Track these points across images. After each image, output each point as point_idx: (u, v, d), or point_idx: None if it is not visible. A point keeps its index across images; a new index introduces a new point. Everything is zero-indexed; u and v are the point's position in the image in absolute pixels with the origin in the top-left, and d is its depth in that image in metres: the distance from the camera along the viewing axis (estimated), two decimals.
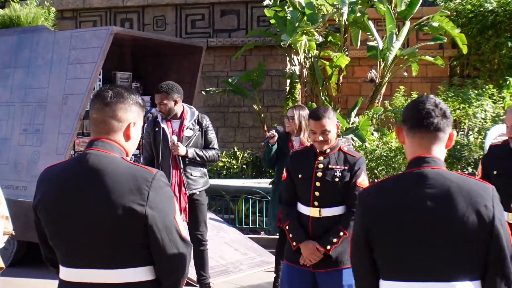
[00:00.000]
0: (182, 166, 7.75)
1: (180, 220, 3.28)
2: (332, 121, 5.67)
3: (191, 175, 7.82)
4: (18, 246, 10.10)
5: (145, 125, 8.00)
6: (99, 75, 10.48)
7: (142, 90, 11.77)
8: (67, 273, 3.24)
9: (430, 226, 3.05)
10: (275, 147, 8.30)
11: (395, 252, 3.10)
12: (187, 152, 7.69)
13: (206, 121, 7.91)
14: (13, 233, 8.68)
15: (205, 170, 8.01)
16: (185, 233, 3.30)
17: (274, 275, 8.69)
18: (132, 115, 3.33)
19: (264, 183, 13.62)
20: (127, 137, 3.32)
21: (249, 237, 11.33)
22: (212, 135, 7.93)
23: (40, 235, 3.41)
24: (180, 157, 7.73)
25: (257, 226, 12.54)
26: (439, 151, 3.20)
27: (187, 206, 7.77)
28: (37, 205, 3.31)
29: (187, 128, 7.78)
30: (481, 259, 3.06)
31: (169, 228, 3.17)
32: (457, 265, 3.04)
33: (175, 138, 7.69)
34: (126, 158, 3.29)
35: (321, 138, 5.62)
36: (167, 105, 7.74)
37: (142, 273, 3.18)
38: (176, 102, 7.76)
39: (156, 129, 7.83)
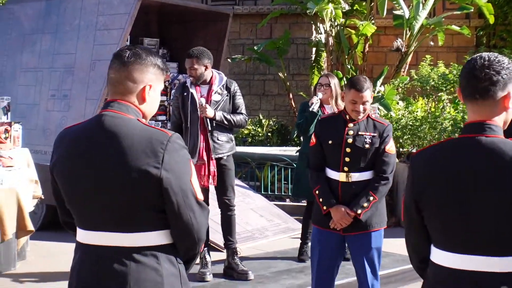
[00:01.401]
0: (210, 129, 7.76)
1: (197, 183, 3.23)
2: (371, 93, 5.79)
3: (218, 139, 7.82)
4: (47, 210, 10.20)
5: (173, 90, 8.02)
6: (127, 41, 10.52)
7: (169, 56, 11.80)
8: (83, 235, 3.22)
9: (483, 197, 2.95)
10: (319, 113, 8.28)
11: (445, 221, 3.03)
12: (215, 114, 7.71)
13: (234, 86, 7.92)
14: (42, 197, 8.87)
15: (231, 136, 8.03)
16: (202, 196, 3.25)
17: (300, 241, 8.77)
18: (148, 76, 3.26)
19: (289, 151, 13.69)
20: (142, 99, 3.26)
21: (275, 204, 11.38)
22: (240, 100, 7.93)
23: (57, 198, 3.38)
24: (207, 121, 7.75)
25: (283, 193, 12.60)
26: (496, 116, 3.05)
27: (215, 170, 7.80)
28: (54, 166, 3.28)
29: (215, 93, 7.78)
30: None
31: (184, 191, 3.13)
32: (507, 238, 2.94)
33: (203, 100, 7.70)
34: (142, 120, 3.24)
35: (361, 108, 5.71)
36: (198, 70, 7.75)
37: (160, 237, 3.16)
38: (206, 68, 7.78)
39: (185, 93, 7.81)
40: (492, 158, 2.96)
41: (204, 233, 3.28)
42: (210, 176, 7.74)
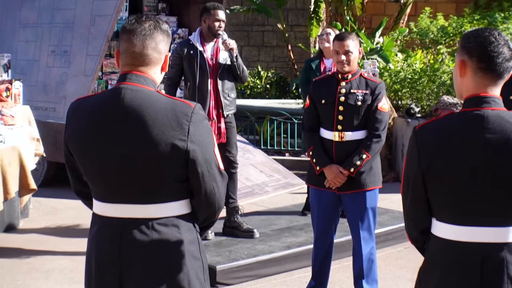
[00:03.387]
0: (221, 88, 7.74)
1: (218, 153, 3.29)
2: (355, 44, 5.85)
3: (229, 96, 7.79)
4: (48, 167, 10.26)
5: (172, 45, 7.95)
6: None
7: (168, 10, 11.78)
8: (103, 207, 3.24)
9: (488, 170, 3.02)
10: None
11: (451, 194, 3.08)
12: (237, 54, 7.68)
13: (236, 45, 7.89)
14: (44, 155, 8.94)
15: (236, 93, 8.05)
16: (223, 165, 3.32)
17: (306, 196, 8.87)
18: (167, 46, 3.29)
19: (288, 103, 13.72)
20: (163, 68, 3.29)
21: (274, 159, 11.44)
22: (240, 60, 7.91)
23: (72, 169, 3.38)
24: (218, 79, 7.73)
25: (282, 148, 12.67)
26: (498, 89, 3.15)
27: (223, 127, 7.82)
28: (70, 138, 3.27)
29: (222, 50, 7.72)
30: None
31: (209, 161, 3.18)
32: None
33: (224, 36, 7.66)
34: (161, 91, 3.25)
35: (343, 57, 5.79)
36: (224, 22, 7.73)
37: (181, 207, 3.21)
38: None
39: (191, 52, 7.68)
40: (500, 130, 3.03)
41: (223, 202, 3.35)
42: (220, 134, 7.75)
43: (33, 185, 8.28)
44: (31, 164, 8.49)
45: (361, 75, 5.92)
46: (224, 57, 7.71)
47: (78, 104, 3.32)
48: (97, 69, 9.87)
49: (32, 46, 10.66)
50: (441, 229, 3.15)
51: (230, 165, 7.88)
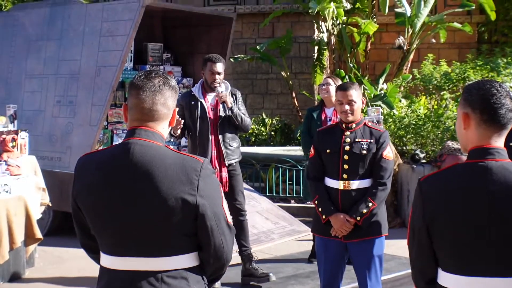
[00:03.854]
0: (222, 138, 7.78)
1: (227, 207, 3.32)
2: (358, 93, 5.94)
3: (230, 145, 7.85)
4: (53, 216, 10.27)
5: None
6: (131, 47, 10.59)
7: (173, 60, 11.87)
8: (112, 261, 3.25)
9: (493, 223, 3.03)
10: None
11: (456, 247, 3.09)
12: (232, 106, 7.72)
13: (239, 94, 7.96)
14: (50, 204, 8.97)
15: (239, 141, 8.09)
16: (231, 219, 3.35)
17: (312, 243, 8.87)
18: (175, 101, 3.34)
19: (293, 150, 13.73)
20: (171, 123, 3.34)
21: (279, 206, 11.42)
22: (243, 107, 7.97)
23: (79, 224, 3.40)
24: (219, 129, 7.77)
25: (287, 195, 12.68)
26: (502, 140, 3.18)
27: (227, 177, 7.83)
28: (78, 194, 3.29)
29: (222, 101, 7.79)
30: None
31: (217, 215, 3.21)
32: None
33: (219, 88, 7.70)
34: (169, 146, 3.29)
35: (347, 107, 5.87)
36: (222, 75, 7.79)
37: (190, 259, 3.23)
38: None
39: (192, 102, 7.80)
40: (504, 181, 3.05)
41: (231, 255, 3.36)
42: (222, 183, 7.78)
43: (38, 234, 8.30)
44: (36, 214, 8.52)
45: (365, 124, 5.98)
46: (222, 109, 7.79)
47: (86, 159, 3.36)
48: (103, 119, 9.92)
49: (38, 97, 10.74)
50: (448, 280, 3.15)
51: (238, 213, 7.88)
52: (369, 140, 5.87)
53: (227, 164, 7.80)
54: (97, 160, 3.30)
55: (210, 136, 7.78)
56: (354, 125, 5.92)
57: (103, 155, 3.32)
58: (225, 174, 7.81)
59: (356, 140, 5.87)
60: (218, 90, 7.71)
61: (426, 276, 3.27)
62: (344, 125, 5.94)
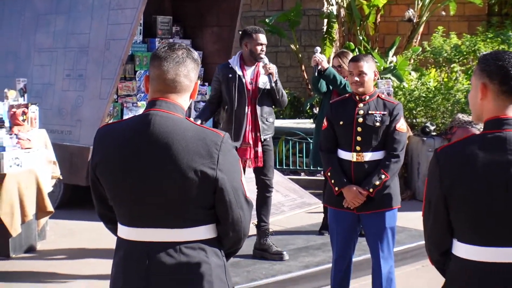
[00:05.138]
0: (260, 112, 7.67)
1: (245, 181, 3.34)
2: (369, 65, 5.90)
3: (267, 120, 7.75)
4: (64, 189, 10.29)
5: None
6: (140, 20, 10.57)
7: (182, 33, 11.84)
8: (129, 232, 3.27)
9: (510, 193, 3.04)
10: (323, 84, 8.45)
11: (474, 216, 3.09)
12: (277, 79, 7.64)
13: (276, 70, 7.77)
14: (61, 177, 9.01)
15: (274, 116, 7.99)
16: (249, 194, 3.36)
17: (323, 215, 8.91)
18: (197, 74, 3.35)
19: (302, 123, 13.75)
20: (192, 96, 3.35)
21: (290, 178, 11.45)
22: (280, 84, 7.81)
23: (97, 194, 3.41)
24: (257, 103, 7.66)
25: (298, 167, 12.68)
26: None
27: (260, 151, 7.74)
28: (98, 163, 3.30)
29: (262, 74, 7.71)
30: None
31: (236, 190, 3.23)
32: None
33: (266, 59, 7.61)
34: (190, 119, 3.31)
35: (357, 79, 5.86)
36: (265, 45, 7.71)
37: (208, 231, 3.25)
38: None
39: (230, 75, 7.65)
40: None
41: (248, 229, 3.39)
42: (258, 158, 7.71)
43: (50, 207, 8.33)
44: (48, 187, 8.55)
45: (378, 96, 5.97)
46: (263, 81, 7.65)
47: (106, 130, 3.37)
48: (112, 92, 9.92)
49: (47, 70, 10.73)
50: (463, 250, 3.16)
51: (266, 189, 7.84)
52: (382, 112, 5.86)
53: (262, 139, 7.75)
54: (117, 131, 3.31)
55: (246, 110, 7.65)
56: (367, 97, 5.91)
57: (123, 126, 3.33)
58: (260, 149, 7.73)
59: (370, 112, 5.86)
60: (265, 61, 7.62)
61: (441, 247, 3.29)
62: (357, 97, 5.93)
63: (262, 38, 7.66)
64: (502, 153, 3.08)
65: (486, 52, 3.42)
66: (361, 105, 5.89)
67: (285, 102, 7.91)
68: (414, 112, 12.23)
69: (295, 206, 10.26)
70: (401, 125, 5.89)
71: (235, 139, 7.54)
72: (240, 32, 7.94)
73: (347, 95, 6.22)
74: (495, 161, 3.07)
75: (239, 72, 7.63)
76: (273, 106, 7.89)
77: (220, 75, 7.72)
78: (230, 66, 7.72)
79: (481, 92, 3.18)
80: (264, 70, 7.59)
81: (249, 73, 7.69)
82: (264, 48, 7.67)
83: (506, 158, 3.06)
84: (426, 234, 3.34)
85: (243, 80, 7.63)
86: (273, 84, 7.62)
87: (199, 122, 7.43)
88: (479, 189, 3.07)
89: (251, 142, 7.67)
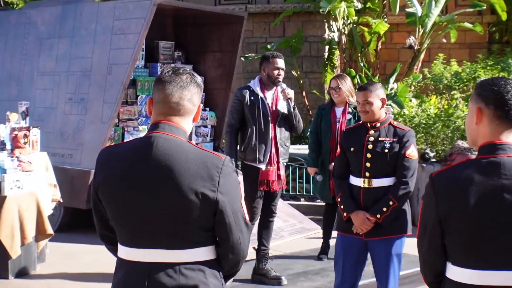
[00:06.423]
0: (279, 136, 7.74)
1: (244, 204, 3.38)
2: (375, 94, 5.93)
3: (285, 144, 7.85)
4: (64, 212, 10.32)
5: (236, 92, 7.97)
6: (142, 45, 10.64)
7: (184, 58, 11.91)
8: (130, 253, 3.30)
9: (507, 217, 3.07)
10: None
11: (468, 240, 3.11)
12: (294, 104, 7.73)
13: (293, 95, 7.87)
14: (61, 200, 9.04)
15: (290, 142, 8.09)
16: (248, 217, 3.41)
17: (322, 241, 8.98)
18: (200, 98, 3.42)
19: (303, 149, 13.74)
20: (195, 119, 3.41)
21: (289, 204, 11.46)
22: (297, 110, 7.90)
23: (98, 215, 3.45)
24: (277, 126, 7.73)
25: (297, 193, 12.71)
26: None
27: (283, 174, 7.83)
28: (100, 184, 3.33)
29: (280, 99, 7.77)
30: None
31: (236, 212, 3.28)
32: None
33: (284, 85, 7.72)
34: (192, 142, 3.36)
35: (362, 108, 5.92)
36: (284, 70, 7.79)
37: (207, 253, 3.29)
38: None
39: (252, 98, 7.71)
40: None
41: (247, 251, 3.42)
42: (281, 181, 7.79)
43: (49, 230, 8.36)
44: (48, 210, 8.59)
45: (390, 123, 5.99)
46: (282, 106, 7.75)
47: (109, 151, 3.43)
48: (114, 116, 9.98)
49: (49, 94, 10.80)
50: (456, 273, 3.18)
51: (270, 214, 7.92)
52: (392, 139, 5.87)
53: (282, 163, 7.80)
54: (120, 153, 3.36)
55: (271, 132, 7.72)
56: (378, 124, 5.94)
57: (126, 147, 3.39)
58: (283, 172, 7.82)
59: (380, 139, 5.88)
60: (283, 86, 7.73)
61: (435, 270, 3.30)
62: (369, 124, 5.97)
63: (280, 62, 7.76)
64: (496, 178, 3.10)
65: (484, 79, 3.47)
66: (372, 132, 5.93)
67: (301, 127, 7.99)
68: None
69: (294, 231, 10.26)
70: (412, 151, 5.88)
71: (262, 160, 7.61)
72: (260, 57, 8.02)
73: (360, 122, 6.26)
74: (489, 186, 3.09)
75: (261, 95, 7.72)
76: (289, 132, 7.96)
77: (242, 97, 7.76)
78: (251, 89, 7.79)
79: (477, 117, 3.22)
80: (283, 95, 7.69)
81: (268, 96, 7.78)
82: (282, 73, 7.76)
83: (501, 183, 3.09)
84: (421, 257, 3.37)
85: (266, 102, 7.71)
86: (291, 109, 7.70)
87: (234, 155, 7.66)
88: (474, 214, 3.10)
89: (275, 164, 7.71)
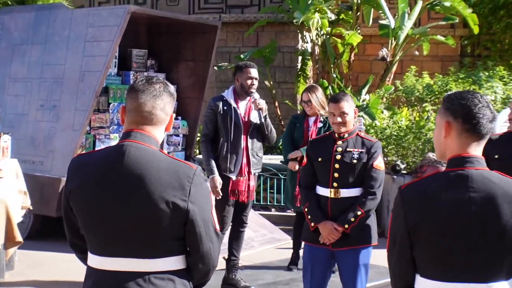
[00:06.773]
0: (251, 146, 7.77)
1: (215, 214, 3.40)
2: (349, 104, 5.99)
3: (257, 154, 7.86)
4: (34, 220, 10.26)
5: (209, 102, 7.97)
6: (116, 53, 10.62)
7: (157, 67, 11.90)
8: (100, 261, 3.30)
9: (474, 229, 3.11)
10: None
11: (437, 252, 3.15)
12: (266, 114, 7.74)
13: (265, 106, 7.88)
14: (31, 208, 8.97)
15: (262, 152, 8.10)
16: (219, 227, 3.42)
17: (292, 251, 8.96)
18: (173, 108, 3.43)
19: (274, 159, 13.77)
20: (167, 129, 3.43)
21: (260, 214, 11.48)
22: (269, 120, 7.91)
23: (69, 223, 3.45)
24: (249, 137, 7.76)
25: (268, 203, 12.72)
26: (481, 149, 3.25)
27: (253, 185, 7.85)
28: (71, 192, 3.33)
29: (253, 110, 7.79)
30: None
31: (206, 222, 3.29)
32: (496, 267, 3.12)
33: (256, 95, 7.74)
34: (163, 151, 3.37)
35: (339, 119, 5.93)
36: (257, 80, 7.80)
37: (177, 262, 3.29)
38: None
39: (225, 107, 7.73)
40: (484, 189, 3.13)
41: (217, 261, 3.44)
42: (250, 192, 7.80)
43: (19, 238, 8.30)
44: (17, 217, 8.52)
45: (357, 134, 6.05)
46: (254, 116, 7.78)
47: (81, 159, 3.43)
48: (86, 123, 9.95)
49: (21, 100, 10.74)
50: (425, 285, 3.22)
51: (241, 224, 7.93)
52: (360, 150, 5.92)
53: (253, 173, 7.81)
54: (91, 161, 3.36)
55: (242, 143, 7.75)
56: (346, 135, 5.98)
57: (97, 156, 3.39)
58: (253, 183, 7.84)
59: (348, 149, 5.93)
60: (255, 97, 7.75)
61: (406, 281, 3.32)
62: (336, 135, 6.01)
63: (253, 72, 7.78)
64: (464, 190, 3.14)
65: (451, 92, 3.51)
66: (339, 142, 5.97)
67: (274, 138, 8.00)
68: (385, 150, 12.32)
69: (265, 241, 10.28)
70: (379, 163, 5.95)
71: (232, 170, 7.62)
72: (234, 67, 8.03)
73: (327, 133, 6.31)
74: (457, 199, 3.13)
75: (234, 105, 7.74)
76: (262, 142, 7.98)
77: (216, 107, 7.77)
78: (225, 98, 7.80)
79: (445, 130, 3.25)
80: (254, 105, 7.70)
81: (241, 106, 7.80)
82: (255, 82, 7.79)
83: (468, 196, 3.13)
84: (390, 269, 3.39)
85: (238, 112, 7.73)
86: (263, 120, 7.73)
87: (213, 162, 7.63)
88: (442, 226, 3.13)
89: (246, 175, 7.73)
